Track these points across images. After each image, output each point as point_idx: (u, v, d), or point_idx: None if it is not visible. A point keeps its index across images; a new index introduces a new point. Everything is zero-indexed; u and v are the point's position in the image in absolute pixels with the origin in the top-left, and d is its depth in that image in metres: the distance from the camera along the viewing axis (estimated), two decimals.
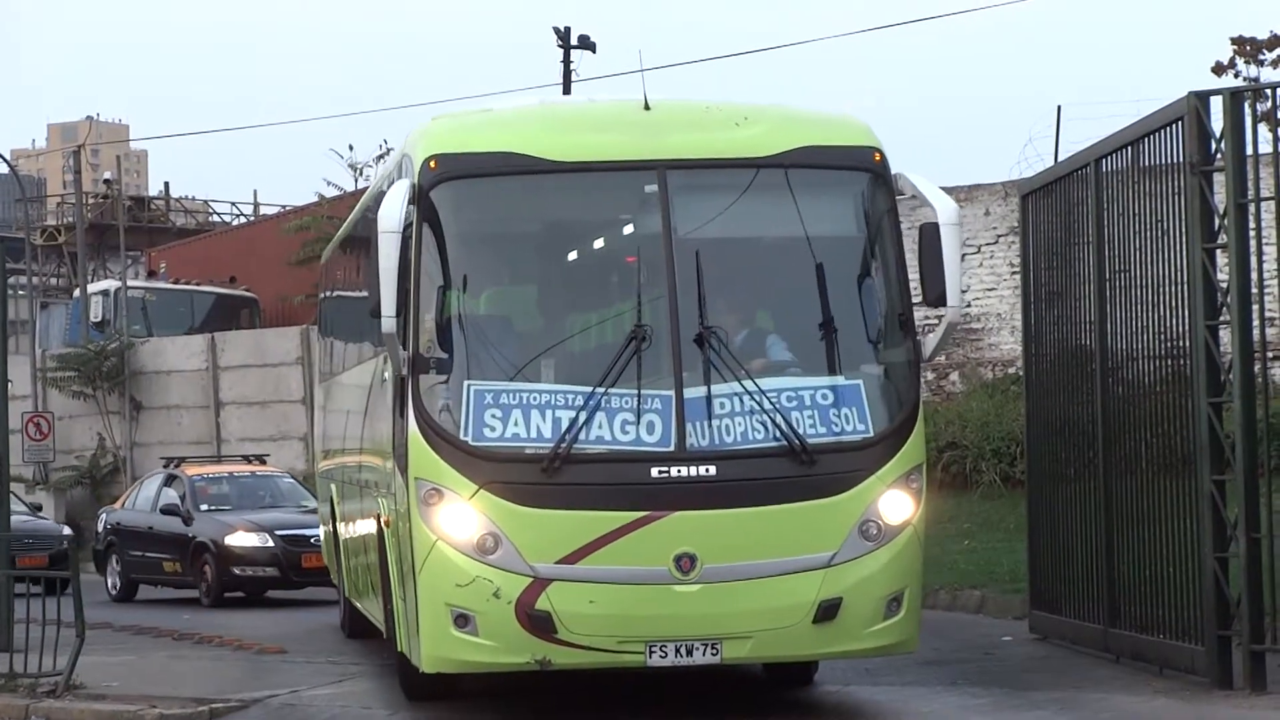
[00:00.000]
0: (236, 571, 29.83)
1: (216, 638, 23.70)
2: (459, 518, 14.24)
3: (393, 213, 14.45)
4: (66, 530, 33.31)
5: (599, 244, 15.88)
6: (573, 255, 16.02)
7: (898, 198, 15.19)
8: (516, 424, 14.26)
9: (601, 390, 14.22)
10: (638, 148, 15.03)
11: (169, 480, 32.53)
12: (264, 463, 35.34)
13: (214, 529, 30.17)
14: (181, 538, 30.79)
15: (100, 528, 33.65)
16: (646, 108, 15.46)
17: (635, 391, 14.22)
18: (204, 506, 31.08)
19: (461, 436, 14.28)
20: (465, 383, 14.42)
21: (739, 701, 16.36)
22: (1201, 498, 16.16)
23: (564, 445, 14.13)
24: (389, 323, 14.28)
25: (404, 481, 14.85)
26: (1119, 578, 17.91)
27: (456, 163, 14.91)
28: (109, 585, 32.50)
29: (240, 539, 29.79)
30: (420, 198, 14.73)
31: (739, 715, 15.82)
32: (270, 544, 29.54)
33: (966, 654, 19.27)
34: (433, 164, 14.84)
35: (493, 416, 14.29)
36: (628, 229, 15.38)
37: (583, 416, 14.18)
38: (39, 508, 37.63)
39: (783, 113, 16.07)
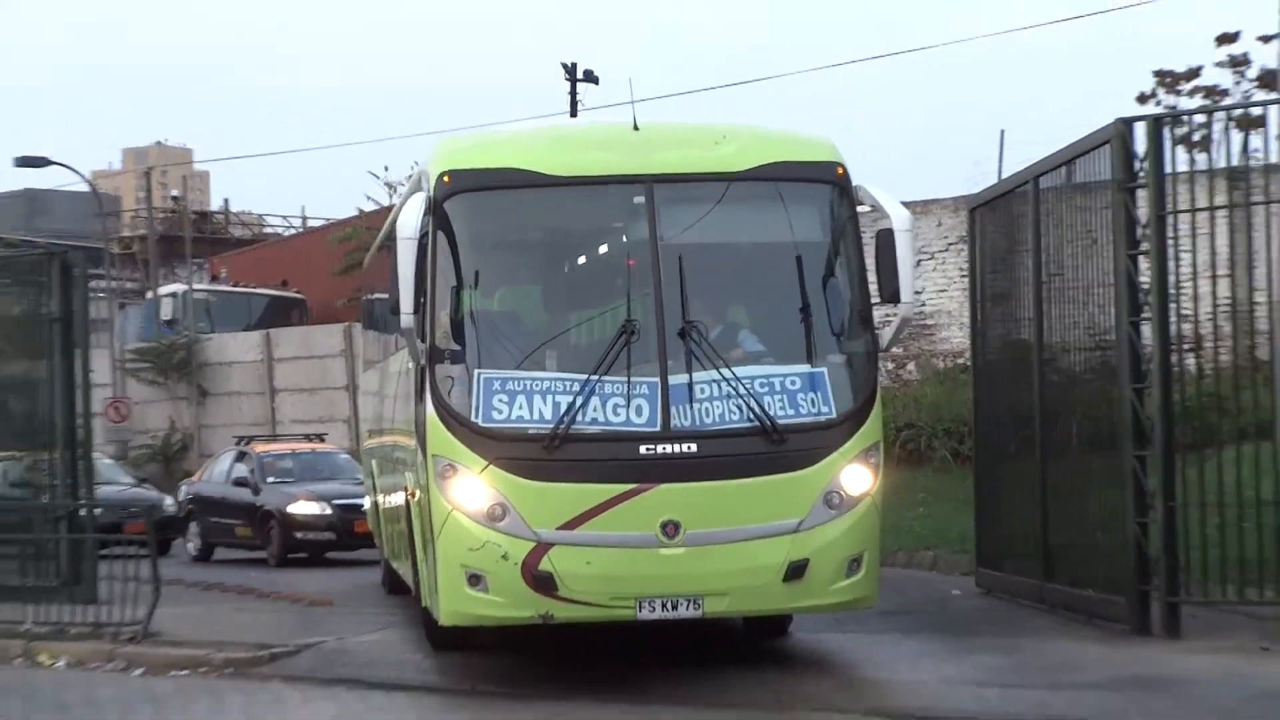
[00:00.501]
0: (298, 536, 29.87)
1: (275, 592, 23.72)
2: (471, 490, 14.18)
3: (410, 222, 14.35)
4: (169, 500, 33.25)
5: (593, 249, 15.75)
6: (570, 259, 15.90)
7: (858, 207, 15.04)
8: (521, 407, 14.16)
9: (596, 377, 14.09)
10: (627, 164, 14.87)
11: (240, 456, 32.54)
12: (323, 440, 35.32)
13: (279, 499, 30.21)
14: (251, 506, 30.79)
15: (181, 497, 33.61)
16: (636, 128, 15.30)
17: (625, 378, 14.10)
18: (270, 479, 31.07)
19: (473, 418, 14.18)
20: (476, 371, 14.31)
21: (722, 651, 16.37)
22: (1125, 471, 16.24)
23: (563, 426, 14.02)
24: (407, 319, 14.20)
25: (424, 458, 14.82)
26: (1053, 540, 17.95)
27: (467, 177, 14.80)
28: (189, 548, 32.46)
29: (302, 507, 29.83)
30: (435, 208, 14.60)
31: (722, 662, 15.81)
32: (328, 512, 29.52)
33: (922, 606, 19.30)
34: (446, 179, 14.72)
35: (500, 401, 14.19)
36: (619, 236, 15.21)
37: (579, 400, 14.06)
38: (144, 480, 37.59)
39: (756, 132, 15.84)
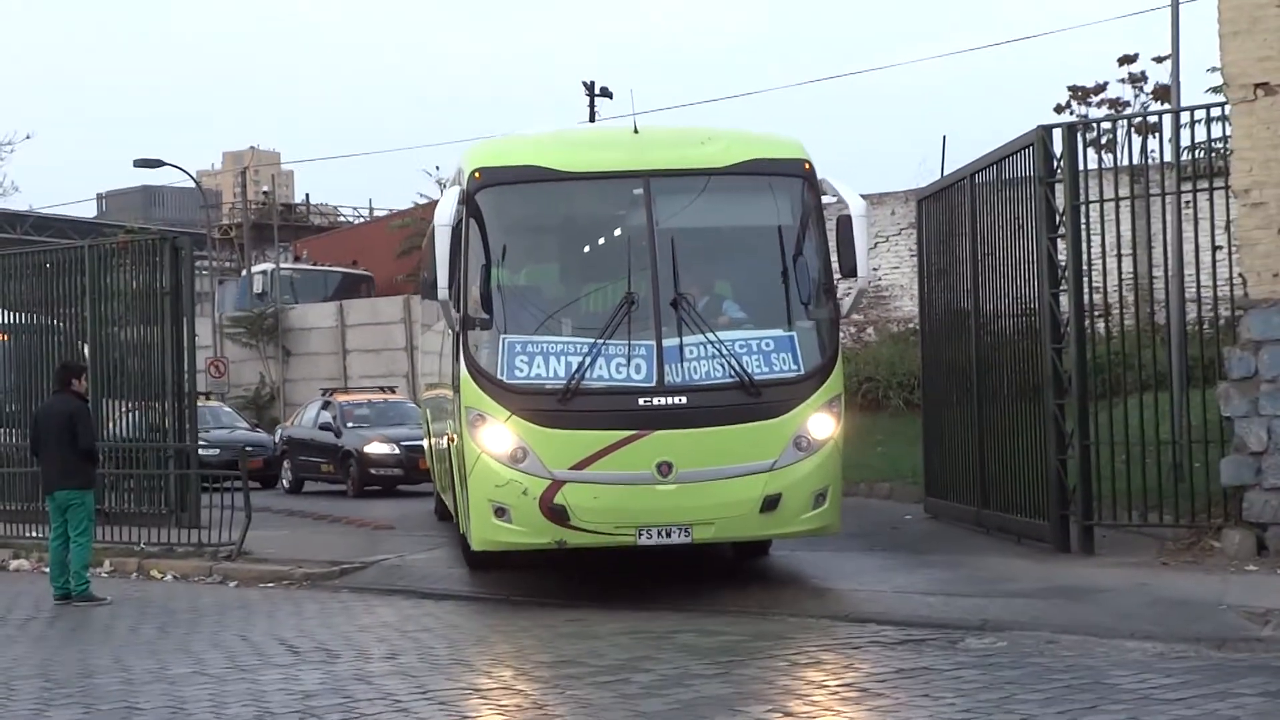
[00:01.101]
0: (372, 472, 29.40)
1: (345, 518, 23.66)
2: (497, 436, 14.03)
3: (446, 211, 14.22)
4: (276, 440, 33.20)
5: (600, 233, 15.46)
6: (580, 241, 15.55)
7: (823, 197, 14.81)
8: (539, 366, 14.00)
9: (601, 341, 13.93)
10: (629, 161, 14.68)
11: (325, 405, 32.07)
12: (394, 392, 34.97)
13: (357, 440, 29.78)
14: (334, 447, 30.37)
15: (277, 439, 33.25)
16: (636, 131, 15.11)
17: (626, 342, 13.93)
18: (350, 424, 30.56)
19: (498, 376, 14.03)
20: (501, 336, 14.15)
21: (715, 570, 16.23)
22: (1047, 416, 16.13)
23: (574, 382, 13.87)
24: (443, 292, 14.09)
25: (459, 409, 14.65)
26: (988, 473, 17.87)
27: (495, 174, 14.59)
28: (283, 481, 32.11)
29: (375, 448, 29.38)
30: (468, 200, 14.40)
31: (715, 579, 15.72)
32: (397, 451, 28.98)
33: (879, 529, 19.17)
34: (477, 175, 14.53)
35: (521, 361, 14.02)
36: (621, 222, 14.93)
37: (587, 360, 13.90)
38: (258, 425, 37.28)
39: (737, 134, 15.55)
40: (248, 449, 32.27)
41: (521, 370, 14.05)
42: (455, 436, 15.56)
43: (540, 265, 15.34)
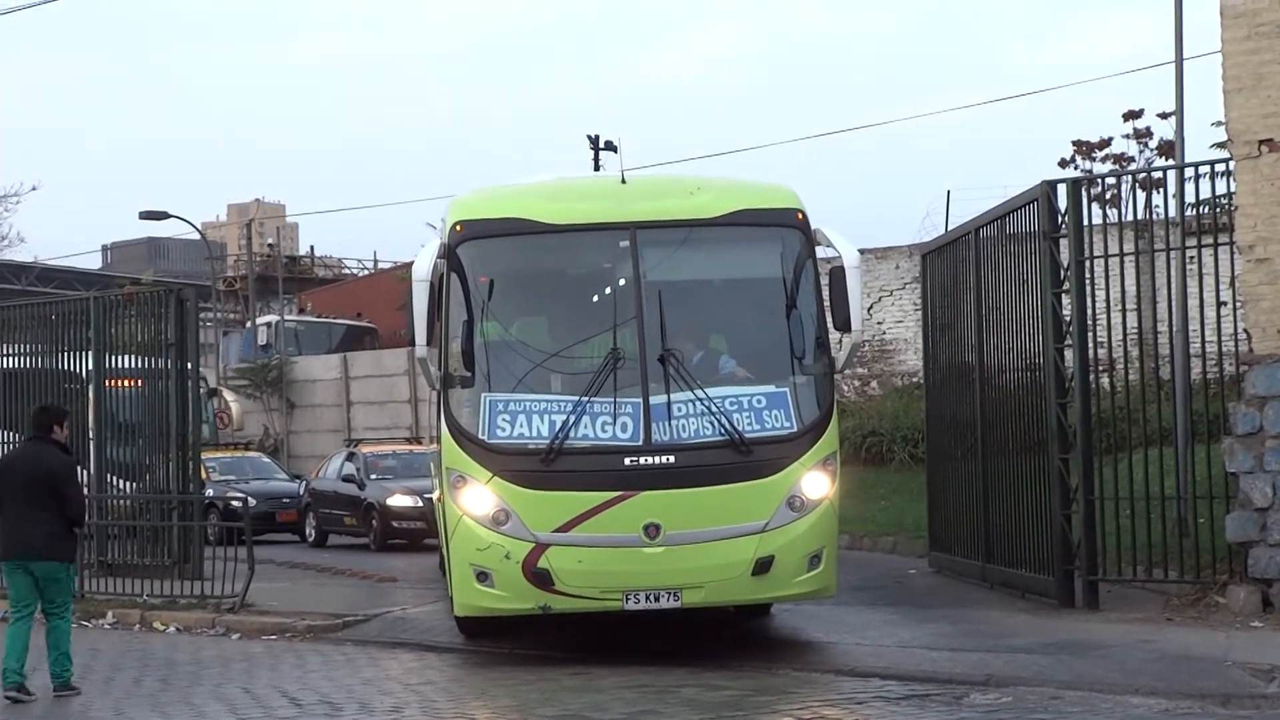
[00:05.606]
0: (395, 525, 28.94)
1: (348, 570, 23.58)
2: (479, 498, 13.65)
3: (423, 265, 13.95)
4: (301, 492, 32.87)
5: (585, 287, 15.00)
6: (565, 295, 15.01)
7: (817, 248, 14.40)
8: (521, 426, 13.62)
9: (586, 399, 13.54)
10: (615, 212, 14.27)
11: (349, 456, 31.66)
12: (420, 442, 34.13)
13: (379, 493, 29.37)
14: (357, 499, 29.98)
15: (301, 491, 32.81)
16: (623, 181, 14.70)
17: (612, 399, 13.54)
18: (374, 476, 30.14)
19: (480, 436, 13.67)
20: (483, 395, 13.79)
21: (717, 625, 16.08)
22: (1052, 470, 16.15)
23: (558, 441, 13.50)
24: (421, 350, 13.84)
25: (441, 469, 14.40)
26: (992, 528, 17.85)
27: (476, 227, 14.24)
28: (307, 534, 31.78)
29: (398, 500, 28.94)
30: (449, 253, 14.12)
31: (717, 634, 15.62)
32: (419, 504, 28.17)
33: (883, 582, 19.15)
34: (459, 228, 14.20)
35: (504, 420, 13.66)
36: (607, 275, 14.57)
37: (572, 419, 13.51)
38: (298, 476, 37.10)
39: (727, 183, 15.18)
40: (285, 500, 32.27)
41: (504, 429, 13.69)
42: (439, 496, 15.23)
43: (523, 320, 14.73)
